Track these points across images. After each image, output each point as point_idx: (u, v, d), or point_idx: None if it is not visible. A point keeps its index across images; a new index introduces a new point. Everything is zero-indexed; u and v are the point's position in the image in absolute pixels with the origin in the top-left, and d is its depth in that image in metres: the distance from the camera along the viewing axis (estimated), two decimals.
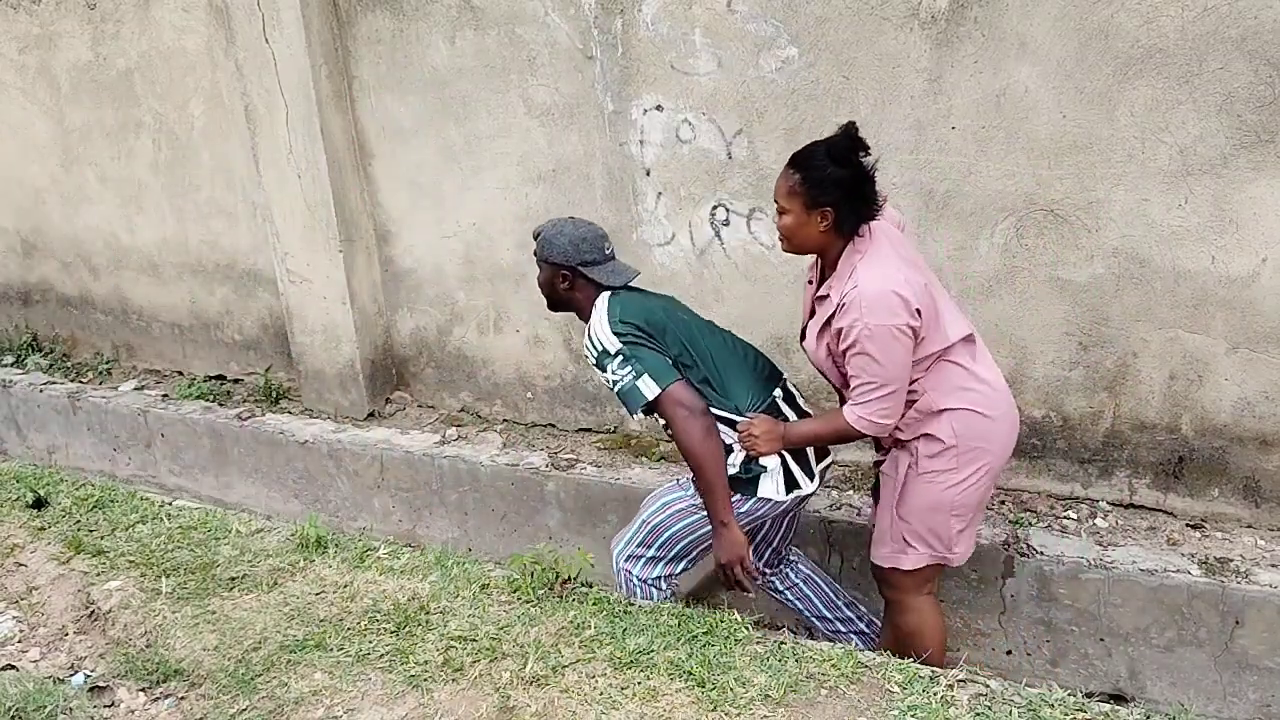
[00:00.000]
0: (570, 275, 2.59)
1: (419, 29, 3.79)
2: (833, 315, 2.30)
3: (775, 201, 2.32)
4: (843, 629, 2.91)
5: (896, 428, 2.42)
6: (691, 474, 2.47)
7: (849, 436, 2.40)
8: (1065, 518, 3.11)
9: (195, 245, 4.81)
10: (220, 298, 4.85)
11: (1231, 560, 2.81)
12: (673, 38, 3.31)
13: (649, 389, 2.39)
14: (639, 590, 2.69)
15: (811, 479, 2.56)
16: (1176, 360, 2.94)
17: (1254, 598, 2.68)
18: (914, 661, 2.28)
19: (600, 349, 2.47)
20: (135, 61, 4.58)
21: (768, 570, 2.88)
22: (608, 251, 2.63)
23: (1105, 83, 2.78)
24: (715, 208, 3.42)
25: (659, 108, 3.42)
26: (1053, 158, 2.90)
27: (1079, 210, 2.92)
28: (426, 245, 4.13)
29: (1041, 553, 2.92)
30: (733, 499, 2.45)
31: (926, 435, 2.39)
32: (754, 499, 2.48)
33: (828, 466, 2.68)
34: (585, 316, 2.60)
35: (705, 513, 2.49)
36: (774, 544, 2.82)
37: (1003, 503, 3.22)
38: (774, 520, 2.71)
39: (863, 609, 2.95)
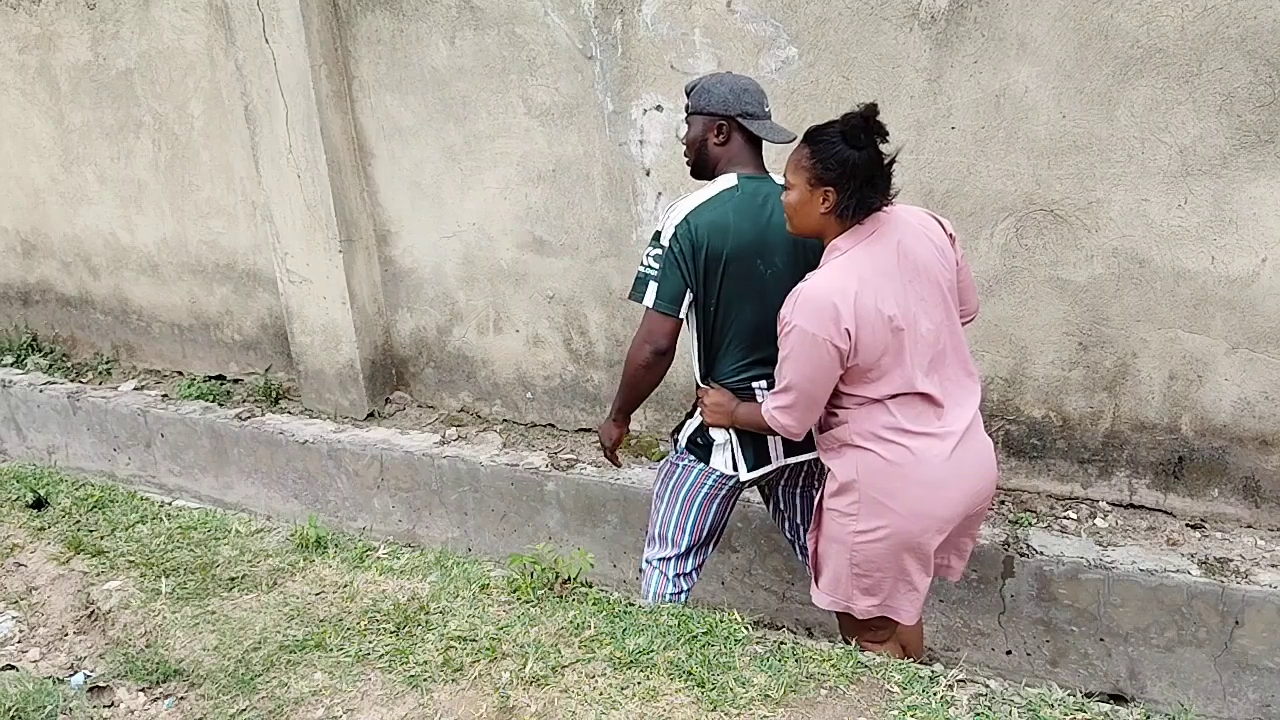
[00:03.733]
0: (727, 126, 2.40)
1: (419, 29, 3.79)
2: None
3: (784, 176, 2.22)
4: None
5: (817, 442, 2.37)
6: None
7: (767, 428, 2.31)
8: (1065, 518, 3.11)
9: (195, 245, 4.81)
10: (220, 298, 4.85)
11: (1231, 560, 2.81)
12: (673, 38, 3.31)
13: (649, 297, 2.40)
14: (653, 580, 2.69)
15: (757, 467, 2.52)
16: (1176, 360, 2.94)
17: (1254, 598, 2.68)
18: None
19: (660, 228, 2.40)
20: (135, 61, 4.58)
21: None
22: (767, 109, 2.44)
23: (1105, 83, 2.78)
24: None
25: (659, 108, 3.42)
26: (1052, 158, 2.90)
27: (1079, 210, 2.92)
28: (426, 245, 4.13)
29: (1041, 553, 2.92)
30: (688, 460, 2.58)
31: (833, 468, 2.30)
32: (705, 466, 2.55)
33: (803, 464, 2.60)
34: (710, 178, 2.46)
35: (680, 465, 2.60)
36: (795, 521, 2.78)
37: (1003, 503, 3.23)
38: (774, 494, 2.72)
39: None
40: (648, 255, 2.41)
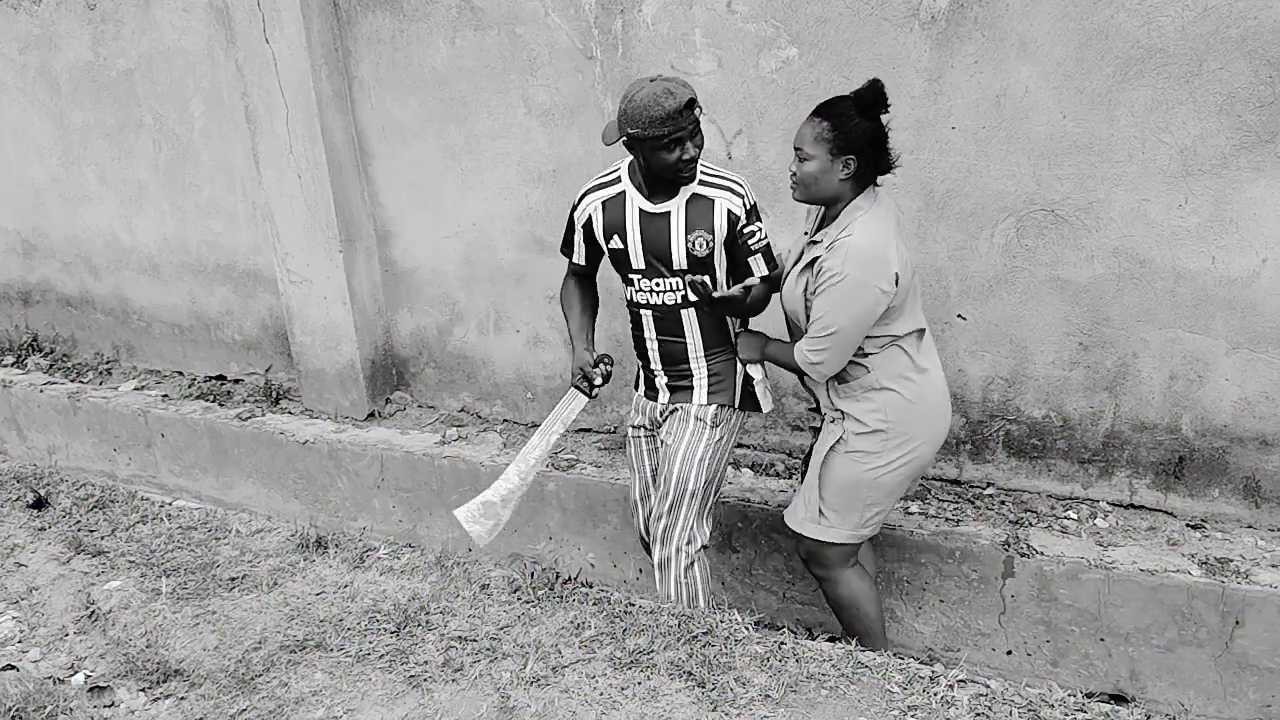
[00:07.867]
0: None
1: (419, 29, 3.79)
2: (819, 256, 2.41)
3: (796, 149, 2.40)
4: None
5: (834, 394, 2.54)
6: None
7: (795, 368, 2.54)
8: (1065, 518, 3.11)
9: (195, 245, 4.81)
10: (220, 298, 4.85)
11: (1231, 560, 2.81)
12: (673, 38, 3.31)
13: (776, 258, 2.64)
14: (697, 570, 2.68)
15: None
16: (1177, 360, 2.94)
17: (1254, 598, 2.68)
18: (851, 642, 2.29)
19: (742, 207, 2.53)
20: (135, 62, 4.58)
21: None
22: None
23: (1105, 83, 2.78)
24: None
25: None
26: (1053, 158, 2.90)
27: (1079, 210, 2.92)
28: (427, 245, 4.14)
29: (1042, 553, 2.92)
30: (734, 421, 2.69)
31: (859, 415, 2.50)
32: (758, 414, 2.74)
33: None
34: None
35: (727, 436, 2.67)
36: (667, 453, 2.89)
37: (1003, 503, 3.23)
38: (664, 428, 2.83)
39: None
40: (759, 229, 2.55)
